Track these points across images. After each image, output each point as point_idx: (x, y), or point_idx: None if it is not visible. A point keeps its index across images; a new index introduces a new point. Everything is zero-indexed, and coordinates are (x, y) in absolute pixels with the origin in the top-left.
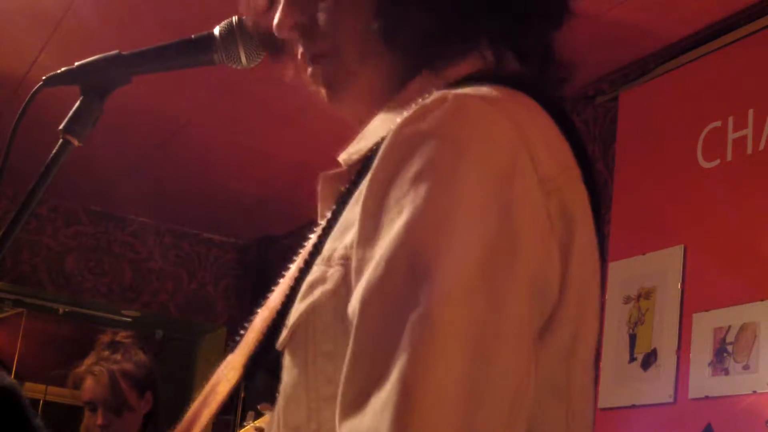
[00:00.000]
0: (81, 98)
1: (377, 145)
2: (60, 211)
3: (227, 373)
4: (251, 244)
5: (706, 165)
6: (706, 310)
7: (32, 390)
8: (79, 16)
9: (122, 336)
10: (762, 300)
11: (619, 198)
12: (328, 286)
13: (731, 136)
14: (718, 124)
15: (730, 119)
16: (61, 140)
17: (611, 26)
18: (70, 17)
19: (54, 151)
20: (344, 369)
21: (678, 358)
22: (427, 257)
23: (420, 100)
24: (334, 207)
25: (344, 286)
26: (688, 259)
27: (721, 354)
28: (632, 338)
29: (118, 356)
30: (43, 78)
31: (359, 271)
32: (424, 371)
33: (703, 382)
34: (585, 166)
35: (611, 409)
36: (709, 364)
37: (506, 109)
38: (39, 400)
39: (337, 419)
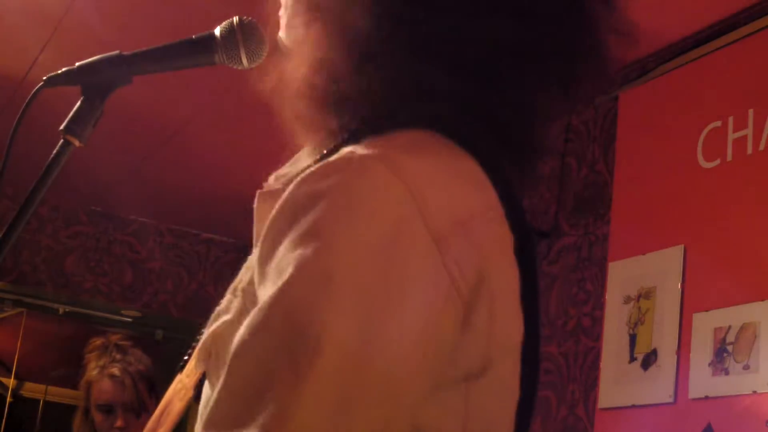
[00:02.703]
0: (82, 98)
1: (306, 169)
2: (60, 211)
3: (179, 391)
4: (251, 244)
5: (706, 165)
6: (706, 310)
7: (32, 390)
8: (79, 16)
9: (120, 338)
10: (762, 300)
11: (619, 198)
12: (228, 316)
13: (731, 136)
14: (718, 124)
15: (730, 119)
16: (61, 140)
17: None
18: (70, 17)
19: (55, 151)
20: (214, 394)
21: (678, 358)
22: (303, 315)
23: (327, 152)
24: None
25: (244, 316)
26: (688, 259)
27: (721, 354)
28: (632, 338)
29: (131, 358)
30: (44, 78)
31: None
32: (283, 428)
33: (703, 382)
34: (512, 207)
35: (611, 409)
36: (709, 364)
37: (405, 170)
38: (39, 400)
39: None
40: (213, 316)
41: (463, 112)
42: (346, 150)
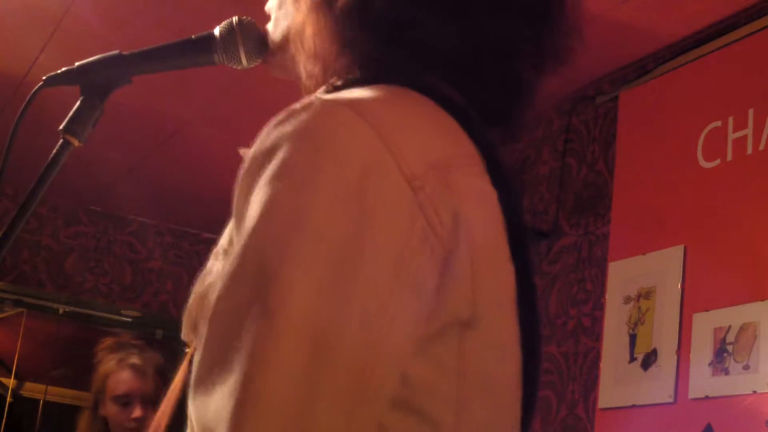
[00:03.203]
0: (81, 98)
1: None
2: (60, 211)
3: (183, 367)
4: None
5: (706, 165)
6: (706, 310)
7: (32, 390)
8: (79, 16)
9: (129, 337)
10: (762, 300)
11: (619, 198)
12: (211, 278)
13: (731, 136)
14: (718, 124)
15: (730, 119)
16: (61, 140)
17: (611, 26)
18: (70, 17)
19: (54, 151)
20: (198, 351)
21: (678, 358)
22: (273, 256)
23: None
24: None
25: None
26: (688, 259)
27: (721, 354)
28: (632, 338)
29: (149, 353)
30: (43, 78)
31: None
32: (262, 370)
33: (703, 382)
34: (494, 167)
35: (611, 409)
36: (709, 364)
37: (371, 112)
38: (39, 400)
39: (190, 393)
40: (197, 280)
41: (437, 65)
42: (307, 98)
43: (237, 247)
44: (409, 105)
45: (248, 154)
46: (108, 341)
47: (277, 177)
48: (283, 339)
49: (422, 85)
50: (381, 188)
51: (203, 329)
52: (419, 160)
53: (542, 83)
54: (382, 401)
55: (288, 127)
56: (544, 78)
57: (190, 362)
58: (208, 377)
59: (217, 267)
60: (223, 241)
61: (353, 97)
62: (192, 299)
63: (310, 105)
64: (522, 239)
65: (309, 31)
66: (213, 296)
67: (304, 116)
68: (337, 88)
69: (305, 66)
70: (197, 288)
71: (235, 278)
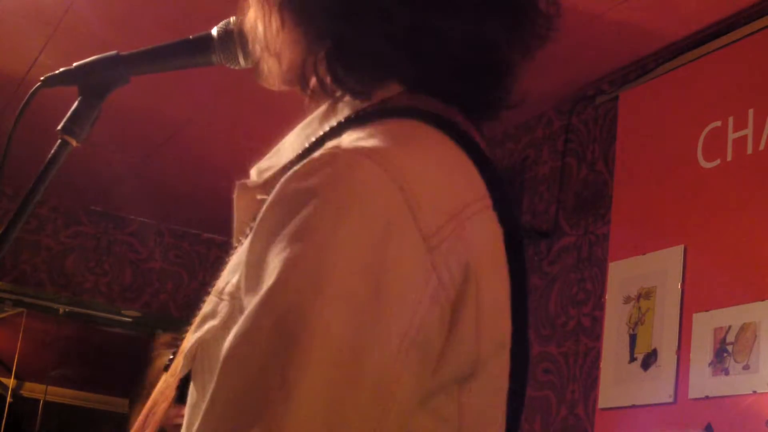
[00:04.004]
0: (79, 98)
1: (291, 163)
2: (60, 211)
3: (164, 391)
4: None
5: (706, 165)
6: (706, 310)
7: (32, 390)
8: (79, 16)
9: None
10: (762, 300)
11: (619, 198)
12: (216, 322)
13: (731, 136)
14: (718, 124)
15: (730, 119)
16: (59, 140)
17: (611, 26)
18: (70, 17)
19: (52, 151)
20: (203, 408)
21: (678, 358)
22: (291, 321)
23: (313, 148)
24: (247, 230)
25: (232, 323)
26: (688, 259)
27: (721, 354)
28: (632, 338)
29: None
30: (42, 78)
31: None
32: None
33: (703, 382)
34: (500, 197)
35: (611, 409)
36: (709, 364)
37: (393, 164)
38: (39, 400)
39: None
40: (198, 319)
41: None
42: (331, 144)
43: (253, 305)
44: (427, 150)
45: (262, 169)
46: (166, 336)
47: (298, 237)
48: (301, 415)
49: (431, 118)
50: (399, 251)
51: (207, 370)
52: (437, 212)
53: (525, 66)
54: None
55: (311, 182)
56: (528, 61)
57: (180, 388)
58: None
59: (222, 309)
60: (231, 280)
61: (375, 145)
62: (193, 342)
63: (333, 158)
64: (522, 280)
65: (283, 37)
66: (217, 345)
67: (327, 171)
68: (340, 124)
69: (285, 72)
70: (199, 330)
71: (250, 339)
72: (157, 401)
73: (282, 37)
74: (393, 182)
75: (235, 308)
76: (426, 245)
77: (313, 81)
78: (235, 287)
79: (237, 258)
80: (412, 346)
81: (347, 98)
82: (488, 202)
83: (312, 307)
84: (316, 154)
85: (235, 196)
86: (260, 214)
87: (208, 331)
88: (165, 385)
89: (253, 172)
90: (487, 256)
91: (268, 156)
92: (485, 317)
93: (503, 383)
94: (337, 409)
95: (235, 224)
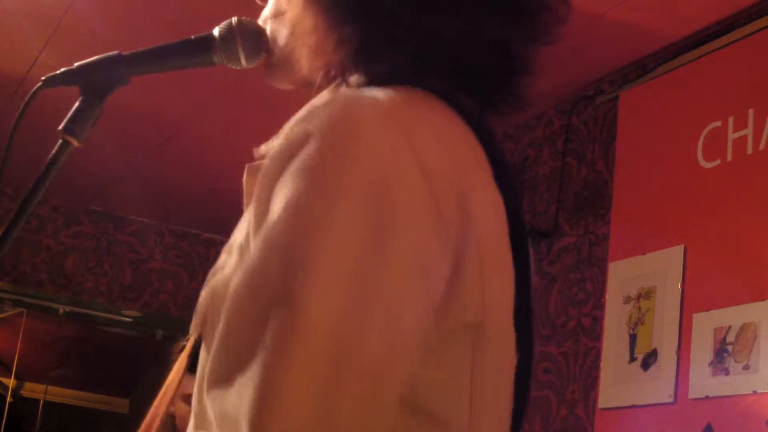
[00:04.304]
0: (80, 98)
1: None
2: (60, 211)
3: (177, 371)
4: None
5: (706, 165)
6: (706, 310)
7: (32, 390)
8: (79, 16)
9: None
10: (762, 300)
11: (619, 198)
12: (225, 271)
13: (731, 136)
14: (718, 124)
15: (730, 119)
16: (60, 141)
17: (611, 26)
18: (70, 17)
19: (53, 151)
20: (214, 344)
21: (678, 358)
22: (299, 251)
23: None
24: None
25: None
26: (688, 259)
27: (721, 354)
28: (632, 338)
29: None
30: (43, 78)
31: None
32: (284, 364)
33: (703, 382)
34: (502, 174)
35: (611, 409)
36: (709, 364)
37: (396, 111)
38: (39, 400)
39: (205, 387)
40: (209, 275)
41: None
42: (329, 94)
43: (258, 242)
44: (427, 106)
45: (270, 148)
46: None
47: (301, 173)
48: (306, 337)
49: (436, 89)
50: (402, 186)
51: (218, 323)
52: (438, 158)
53: (536, 56)
54: (395, 404)
55: (313, 123)
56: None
57: (192, 356)
58: (225, 370)
59: (231, 262)
60: (239, 236)
61: (375, 95)
62: (204, 294)
63: (333, 101)
64: (524, 250)
65: (308, 25)
66: (227, 291)
67: (328, 112)
68: (355, 87)
69: (308, 61)
70: (210, 282)
71: (255, 273)
72: (170, 382)
73: (309, 22)
74: (395, 123)
75: (244, 256)
76: (429, 185)
77: (329, 62)
78: (244, 239)
79: (245, 218)
80: (418, 284)
81: (354, 79)
82: (487, 167)
83: (315, 242)
84: (317, 100)
85: (244, 178)
86: (266, 163)
87: (218, 280)
88: (178, 365)
89: (261, 150)
90: (488, 214)
91: (271, 139)
92: (488, 272)
93: (510, 348)
94: (344, 341)
95: (244, 200)
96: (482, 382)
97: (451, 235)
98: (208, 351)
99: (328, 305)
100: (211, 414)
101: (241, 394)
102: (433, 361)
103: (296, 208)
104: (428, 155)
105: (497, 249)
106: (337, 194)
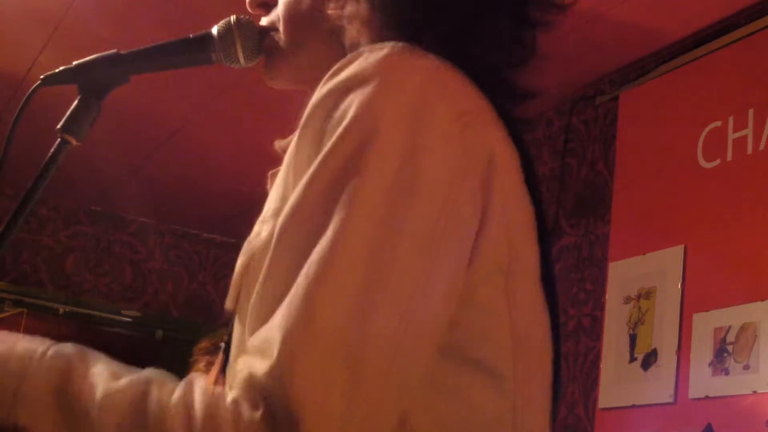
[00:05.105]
0: (79, 97)
1: None
2: (60, 211)
3: (217, 363)
4: None
5: (706, 165)
6: (706, 310)
7: None
8: (79, 16)
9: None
10: (762, 300)
11: (619, 198)
12: (262, 236)
13: (731, 136)
14: (718, 124)
15: (730, 119)
16: (58, 140)
17: (611, 26)
18: (70, 17)
19: (51, 150)
20: (258, 285)
21: (678, 358)
22: (337, 188)
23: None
24: None
25: None
26: (688, 259)
27: (721, 354)
28: (632, 338)
29: None
30: (41, 77)
31: None
32: (325, 287)
33: (703, 382)
34: (513, 133)
35: (611, 409)
36: (709, 364)
37: (416, 54)
38: None
39: (247, 331)
40: (244, 246)
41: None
42: (356, 51)
43: (300, 186)
44: (445, 63)
45: (323, 88)
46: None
47: (344, 117)
48: (345, 266)
49: (452, 55)
50: (433, 122)
51: (249, 297)
52: (465, 99)
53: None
54: (435, 352)
55: (341, 77)
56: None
57: (225, 354)
58: (269, 301)
59: (266, 228)
60: (272, 203)
61: (397, 45)
62: (239, 263)
63: (358, 54)
64: (539, 206)
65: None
66: (264, 254)
67: (356, 62)
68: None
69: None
70: (244, 251)
71: (302, 207)
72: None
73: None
74: (427, 61)
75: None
76: (459, 121)
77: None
78: (278, 204)
79: (278, 183)
80: (449, 218)
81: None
82: (501, 123)
83: (357, 176)
84: (343, 60)
85: (268, 186)
86: (308, 110)
87: (254, 246)
88: (215, 366)
89: (278, 144)
90: (509, 162)
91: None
92: (510, 206)
93: (539, 297)
94: (380, 263)
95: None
96: (519, 328)
97: (480, 175)
98: (238, 324)
99: (366, 236)
100: (248, 335)
101: (284, 320)
102: (470, 306)
103: (339, 150)
104: (456, 93)
105: (519, 198)
106: (375, 131)
